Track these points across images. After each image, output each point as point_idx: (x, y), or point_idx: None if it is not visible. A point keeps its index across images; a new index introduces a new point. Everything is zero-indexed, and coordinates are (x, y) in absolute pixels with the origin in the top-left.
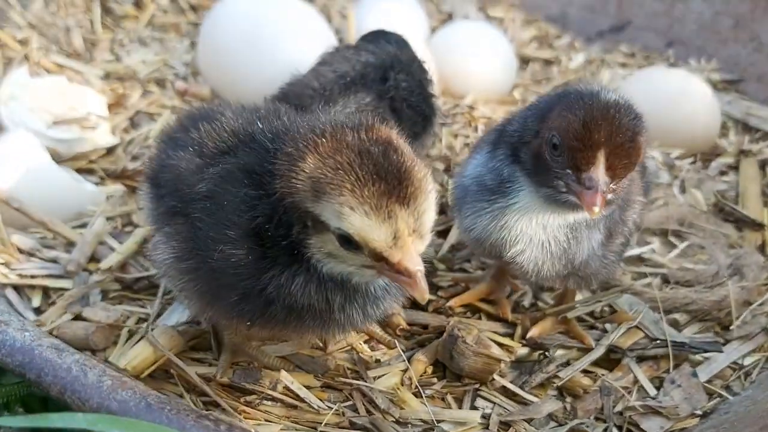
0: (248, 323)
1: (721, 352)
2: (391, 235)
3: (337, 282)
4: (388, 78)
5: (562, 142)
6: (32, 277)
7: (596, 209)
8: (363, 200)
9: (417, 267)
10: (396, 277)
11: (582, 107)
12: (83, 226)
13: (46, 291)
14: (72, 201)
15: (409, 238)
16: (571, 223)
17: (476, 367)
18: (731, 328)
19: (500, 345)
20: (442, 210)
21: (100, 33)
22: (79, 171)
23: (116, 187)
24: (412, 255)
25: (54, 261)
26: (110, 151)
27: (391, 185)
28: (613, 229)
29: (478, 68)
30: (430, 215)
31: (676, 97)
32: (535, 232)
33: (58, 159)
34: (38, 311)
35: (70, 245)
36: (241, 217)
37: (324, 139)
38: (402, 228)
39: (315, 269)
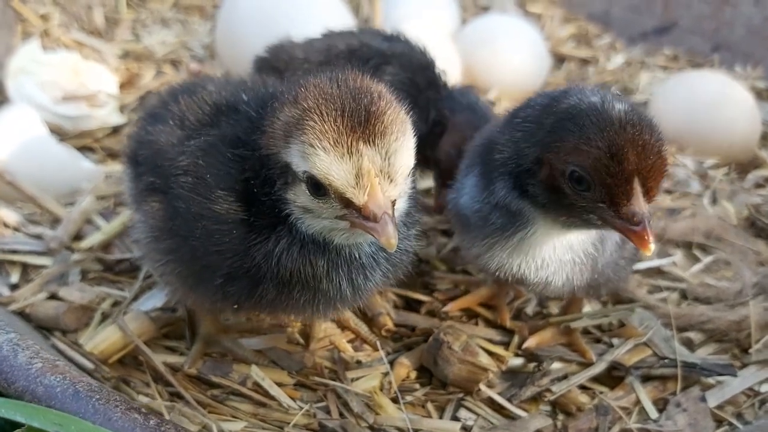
0: (235, 306)
1: (735, 376)
2: (353, 172)
3: (319, 244)
4: (368, 63)
5: (591, 177)
6: (13, 252)
7: (653, 246)
8: (323, 136)
9: (382, 209)
10: (364, 224)
11: (599, 134)
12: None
13: (25, 267)
14: (68, 178)
15: (376, 179)
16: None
17: (461, 375)
18: (750, 351)
19: (491, 354)
20: None
21: (124, 12)
22: (83, 149)
23: (116, 167)
24: (378, 197)
25: (38, 237)
26: (116, 130)
27: (355, 121)
28: None
29: (507, 63)
30: (402, 157)
31: (714, 103)
32: (563, 254)
33: (63, 135)
34: (15, 287)
35: (57, 222)
36: (224, 189)
37: (302, 89)
38: (366, 166)
39: (296, 230)
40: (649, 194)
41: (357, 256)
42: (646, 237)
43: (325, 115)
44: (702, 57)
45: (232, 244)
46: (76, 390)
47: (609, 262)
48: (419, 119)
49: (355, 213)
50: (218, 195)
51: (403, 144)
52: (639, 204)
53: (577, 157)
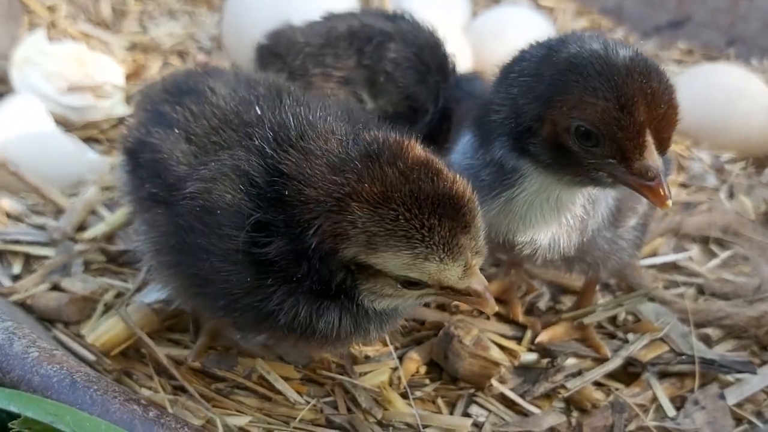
0: (238, 333)
1: (755, 373)
2: (462, 269)
3: (374, 311)
4: (370, 42)
5: (599, 132)
6: (15, 242)
7: (670, 202)
8: (435, 248)
9: (485, 286)
10: (462, 299)
11: (606, 84)
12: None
13: (28, 258)
14: (73, 169)
15: (473, 261)
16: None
17: (472, 371)
18: None
19: (503, 348)
20: None
21: (132, 4)
22: (89, 139)
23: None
24: (480, 278)
25: (41, 228)
26: (122, 121)
27: (453, 219)
28: (622, 203)
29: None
30: (482, 230)
31: (730, 96)
32: (550, 214)
33: (68, 126)
34: (17, 278)
35: (60, 213)
36: (239, 232)
37: (361, 181)
38: (470, 257)
39: (350, 304)
40: (662, 146)
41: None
42: (662, 192)
43: (427, 225)
44: (717, 51)
45: (242, 287)
46: (73, 380)
47: (601, 231)
48: (427, 100)
49: (452, 293)
50: (228, 234)
51: (480, 217)
52: (652, 158)
53: (583, 111)
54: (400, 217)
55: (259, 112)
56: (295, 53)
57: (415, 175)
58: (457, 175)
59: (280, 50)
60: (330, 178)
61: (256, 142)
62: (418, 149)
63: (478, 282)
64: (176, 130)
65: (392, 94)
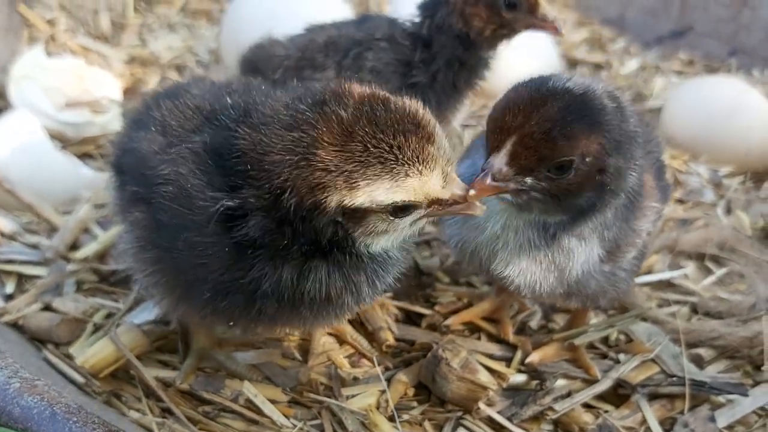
0: (230, 323)
1: (746, 395)
2: (442, 177)
3: (367, 258)
4: (348, 54)
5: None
6: (8, 262)
7: (472, 192)
8: (411, 163)
9: (467, 190)
10: (449, 210)
11: (512, 90)
12: None
13: (21, 277)
14: (68, 185)
15: (448, 168)
16: (553, 232)
17: (460, 393)
18: (762, 368)
19: (491, 371)
20: None
21: (131, 17)
22: (84, 155)
23: None
24: (459, 183)
25: (34, 246)
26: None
27: (417, 133)
28: (621, 240)
29: (514, 68)
30: (445, 139)
31: (729, 109)
32: (518, 242)
33: (65, 142)
34: (10, 298)
35: (54, 231)
36: (208, 200)
37: (320, 125)
38: (444, 165)
39: (340, 257)
40: (515, 159)
41: (389, 255)
42: (474, 181)
43: (396, 145)
44: (719, 61)
45: (219, 259)
46: (53, 412)
47: (594, 272)
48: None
49: (438, 207)
50: (201, 206)
51: (437, 125)
52: (497, 158)
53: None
54: (368, 146)
55: (229, 101)
56: (274, 67)
57: (367, 107)
58: (406, 98)
59: (260, 64)
60: (288, 136)
61: (221, 123)
62: (359, 86)
63: (459, 187)
64: (153, 128)
65: None
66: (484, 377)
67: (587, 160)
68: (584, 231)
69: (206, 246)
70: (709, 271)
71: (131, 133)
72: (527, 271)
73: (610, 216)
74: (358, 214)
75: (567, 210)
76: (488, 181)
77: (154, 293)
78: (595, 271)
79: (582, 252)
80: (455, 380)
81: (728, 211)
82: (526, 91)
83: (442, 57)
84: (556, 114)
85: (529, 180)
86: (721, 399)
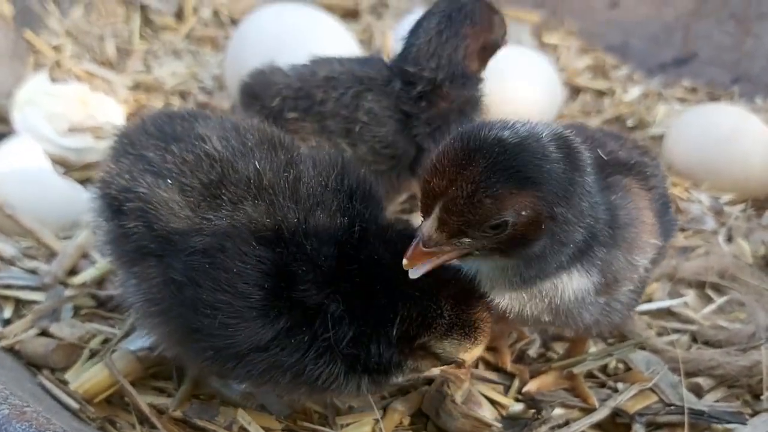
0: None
1: (745, 424)
2: None
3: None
4: (347, 91)
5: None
6: (7, 287)
7: (404, 261)
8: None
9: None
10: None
11: (442, 146)
12: None
13: (18, 302)
14: (69, 210)
15: None
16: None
17: (464, 430)
18: (762, 397)
19: (493, 402)
20: None
21: (137, 43)
22: (86, 180)
23: None
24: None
25: (33, 272)
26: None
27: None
28: (615, 272)
29: (515, 94)
30: None
31: (729, 137)
32: (497, 282)
33: (68, 168)
34: (7, 323)
35: (53, 256)
36: (250, 285)
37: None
38: None
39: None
40: (444, 224)
41: None
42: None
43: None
44: (722, 89)
45: (248, 337)
46: None
47: (592, 298)
48: (408, 143)
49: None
50: (242, 290)
51: None
52: (426, 224)
53: None
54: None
55: (258, 166)
56: (272, 95)
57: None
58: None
59: (259, 90)
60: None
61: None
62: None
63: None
64: (168, 180)
65: (370, 143)
66: (487, 412)
67: (524, 213)
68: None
69: (241, 330)
70: (709, 299)
71: (134, 172)
72: (516, 300)
73: (600, 249)
74: (424, 353)
75: (522, 258)
76: (420, 248)
77: (155, 337)
78: (587, 302)
79: (572, 284)
80: (460, 417)
81: (729, 239)
82: (452, 149)
83: (443, 111)
84: (481, 174)
85: (466, 240)
86: (720, 428)
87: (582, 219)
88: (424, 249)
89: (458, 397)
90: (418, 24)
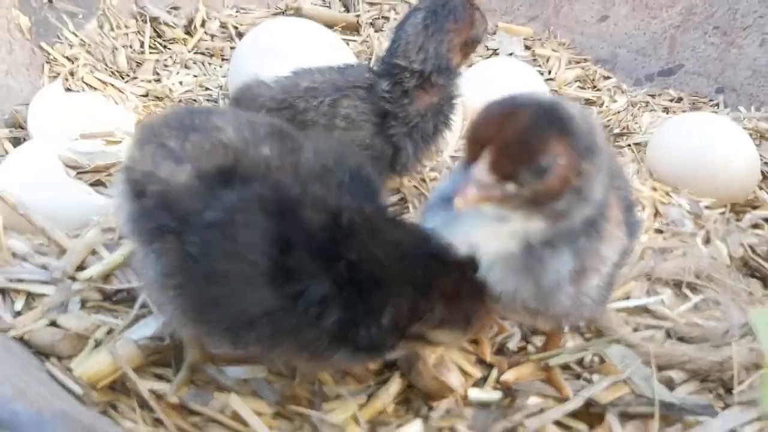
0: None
1: (715, 416)
2: None
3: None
4: (323, 100)
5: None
6: (19, 281)
7: (458, 200)
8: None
9: None
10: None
11: (485, 107)
12: None
13: (29, 295)
14: (79, 211)
15: None
16: (523, 236)
17: (431, 389)
18: (734, 391)
19: (463, 371)
20: None
21: (147, 54)
22: (97, 183)
23: None
24: None
25: (44, 267)
26: None
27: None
28: (586, 261)
29: None
30: None
31: (709, 144)
32: (490, 239)
33: (79, 170)
34: (18, 314)
35: (63, 252)
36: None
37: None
38: None
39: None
40: (496, 166)
41: None
42: (459, 186)
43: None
44: (707, 98)
45: (257, 302)
46: (40, 417)
47: (564, 287)
48: (385, 144)
49: None
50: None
51: None
52: (477, 167)
53: None
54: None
55: (267, 152)
56: (258, 107)
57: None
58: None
59: (245, 104)
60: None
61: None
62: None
63: None
64: (185, 163)
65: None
66: (454, 378)
67: (560, 161)
68: (556, 240)
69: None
70: (685, 298)
71: (156, 159)
72: (507, 278)
73: (580, 229)
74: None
75: (547, 216)
76: (473, 189)
77: (166, 313)
78: (560, 291)
79: (556, 261)
80: (428, 378)
81: (707, 241)
82: (498, 105)
83: (422, 109)
84: (528, 121)
85: (510, 186)
86: (693, 420)
87: (597, 185)
88: (477, 191)
89: (431, 360)
90: (405, 20)
